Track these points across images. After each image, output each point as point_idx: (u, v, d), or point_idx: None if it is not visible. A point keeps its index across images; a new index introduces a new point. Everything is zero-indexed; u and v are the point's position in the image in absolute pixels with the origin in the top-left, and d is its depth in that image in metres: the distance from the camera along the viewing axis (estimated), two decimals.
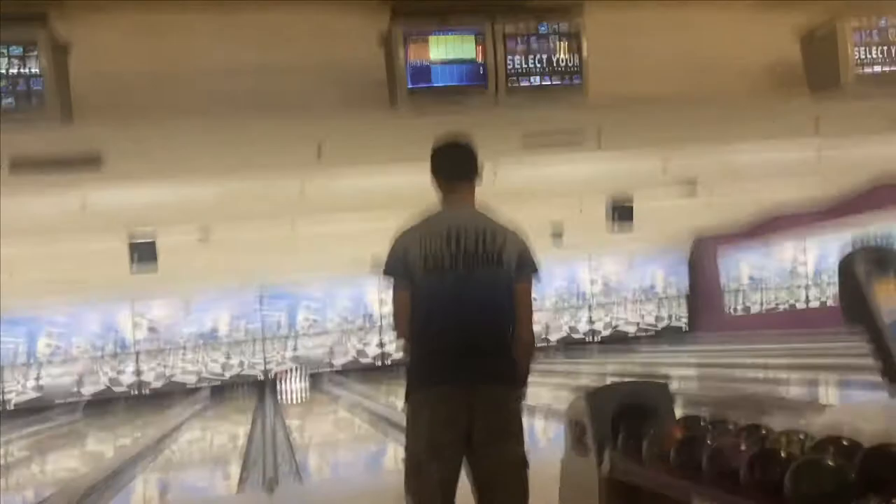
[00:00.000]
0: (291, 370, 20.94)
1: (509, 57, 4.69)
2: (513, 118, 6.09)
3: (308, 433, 13.22)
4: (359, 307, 21.10)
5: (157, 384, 20.44)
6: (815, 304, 21.92)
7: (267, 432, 12.42)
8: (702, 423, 3.19)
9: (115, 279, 14.20)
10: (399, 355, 16.68)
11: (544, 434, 9.10)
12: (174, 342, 20.46)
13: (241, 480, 8.49)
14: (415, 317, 3.35)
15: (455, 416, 3.25)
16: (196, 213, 10.54)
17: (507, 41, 4.69)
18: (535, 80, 4.75)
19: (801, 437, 2.61)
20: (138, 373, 20.36)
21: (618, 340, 22.54)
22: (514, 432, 3.34)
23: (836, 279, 2.94)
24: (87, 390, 20.05)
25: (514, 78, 4.72)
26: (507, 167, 8.99)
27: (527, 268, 3.42)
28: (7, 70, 4.15)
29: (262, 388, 20.53)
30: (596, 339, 22.60)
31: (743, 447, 2.59)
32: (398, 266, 3.35)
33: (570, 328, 22.39)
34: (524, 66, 4.72)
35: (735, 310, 22.26)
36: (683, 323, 22.96)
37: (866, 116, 7.33)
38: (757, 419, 2.98)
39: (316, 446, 11.69)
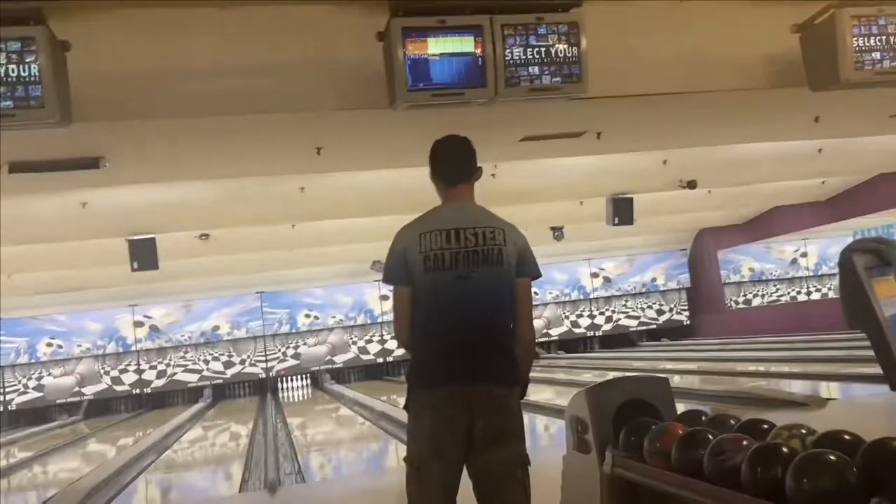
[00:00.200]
0: (292, 369, 20.93)
1: (508, 53, 4.68)
2: (512, 115, 6.09)
3: (310, 432, 13.22)
4: (359, 305, 21.10)
5: (159, 383, 20.46)
6: (815, 296, 21.94)
7: (269, 431, 12.43)
8: (703, 419, 3.20)
9: (116, 279, 14.20)
10: (400, 352, 16.71)
11: (546, 431, 9.11)
12: (175, 341, 20.47)
13: (244, 480, 8.49)
14: (416, 316, 3.35)
15: (456, 417, 3.24)
16: (196, 213, 10.54)
17: (507, 38, 4.68)
18: (535, 74, 4.74)
19: (803, 431, 2.62)
20: (139, 372, 20.37)
21: (618, 335, 22.54)
22: (516, 431, 3.34)
23: (836, 271, 2.94)
24: (89, 390, 20.07)
25: (513, 74, 4.71)
26: (507, 164, 9.00)
27: (527, 265, 3.42)
28: (6, 70, 4.13)
29: (264, 386, 20.56)
30: (597, 333, 22.59)
31: (744, 443, 2.59)
32: (398, 265, 3.35)
33: (572, 322, 22.38)
34: (523, 62, 4.71)
35: (736, 303, 22.29)
36: (685, 317, 22.95)
37: (866, 108, 7.32)
38: (758, 414, 2.98)
39: (317, 445, 11.69)
